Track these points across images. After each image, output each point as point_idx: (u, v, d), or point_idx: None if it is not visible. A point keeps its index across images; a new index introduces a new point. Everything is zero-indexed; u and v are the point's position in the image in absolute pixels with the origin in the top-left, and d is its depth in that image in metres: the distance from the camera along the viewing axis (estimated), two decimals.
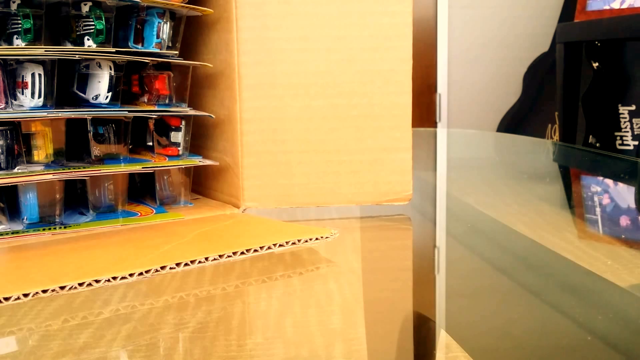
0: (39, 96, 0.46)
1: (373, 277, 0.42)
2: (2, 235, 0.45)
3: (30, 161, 0.46)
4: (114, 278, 0.36)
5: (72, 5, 0.47)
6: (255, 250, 0.41)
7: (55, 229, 0.46)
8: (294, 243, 0.43)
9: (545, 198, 0.66)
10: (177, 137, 0.53)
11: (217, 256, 0.40)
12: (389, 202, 0.54)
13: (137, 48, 0.50)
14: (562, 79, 1.65)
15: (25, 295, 0.34)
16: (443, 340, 0.30)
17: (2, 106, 0.45)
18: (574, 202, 0.65)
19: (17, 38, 0.45)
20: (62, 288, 0.35)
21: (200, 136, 0.58)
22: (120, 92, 0.50)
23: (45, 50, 0.44)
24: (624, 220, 0.55)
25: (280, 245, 0.42)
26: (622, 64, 1.61)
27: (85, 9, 0.47)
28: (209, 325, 0.32)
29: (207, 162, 0.54)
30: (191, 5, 0.52)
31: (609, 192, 0.69)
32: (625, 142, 1.62)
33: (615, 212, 0.58)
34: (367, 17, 0.52)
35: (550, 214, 0.59)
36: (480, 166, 0.87)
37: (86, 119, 0.48)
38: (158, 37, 0.50)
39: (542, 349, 0.29)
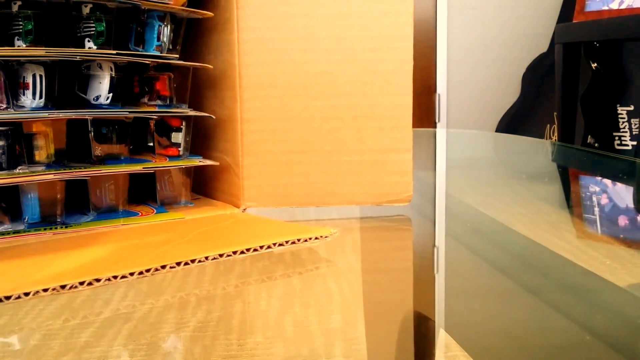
0: (40, 97, 0.46)
1: (373, 277, 0.42)
2: (3, 234, 0.45)
3: (31, 161, 0.46)
4: (115, 277, 0.36)
5: (73, 7, 0.47)
6: (255, 250, 0.41)
7: (56, 228, 0.46)
8: (293, 242, 0.43)
9: (544, 198, 0.66)
10: (178, 137, 0.53)
11: (217, 255, 0.40)
12: (389, 203, 0.54)
13: (138, 50, 0.50)
14: (561, 80, 1.65)
15: (26, 294, 0.34)
16: (443, 340, 0.31)
17: (4, 107, 0.45)
18: (572, 202, 0.66)
19: (18, 39, 0.46)
20: (62, 287, 0.35)
21: (201, 136, 0.58)
22: (121, 93, 0.50)
23: (46, 52, 0.45)
24: (623, 220, 0.55)
25: (280, 245, 0.42)
26: (620, 65, 1.61)
27: (85, 10, 0.47)
28: (210, 325, 0.32)
29: (208, 162, 0.54)
30: (191, 9, 0.52)
31: (607, 192, 0.69)
32: (623, 142, 1.63)
33: (613, 212, 0.58)
34: (368, 17, 0.52)
35: (549, 214, 0.59)
36: (479, 166, 0.87)
37: (87, 119, 0.48)
38: (158, 40, 0.50)
39: (541, 349, 0.29)
